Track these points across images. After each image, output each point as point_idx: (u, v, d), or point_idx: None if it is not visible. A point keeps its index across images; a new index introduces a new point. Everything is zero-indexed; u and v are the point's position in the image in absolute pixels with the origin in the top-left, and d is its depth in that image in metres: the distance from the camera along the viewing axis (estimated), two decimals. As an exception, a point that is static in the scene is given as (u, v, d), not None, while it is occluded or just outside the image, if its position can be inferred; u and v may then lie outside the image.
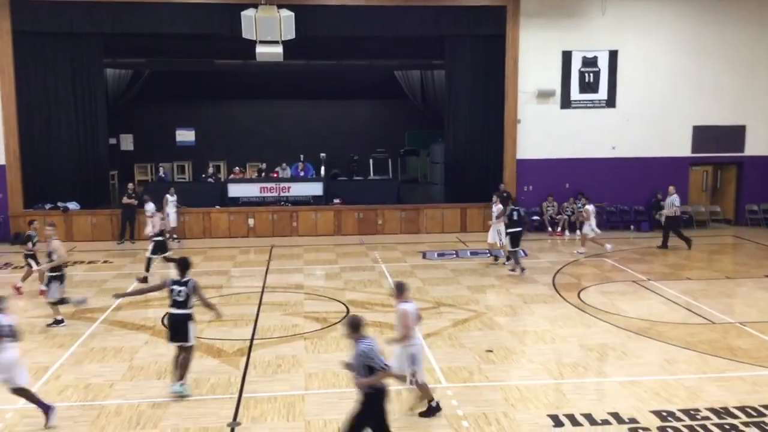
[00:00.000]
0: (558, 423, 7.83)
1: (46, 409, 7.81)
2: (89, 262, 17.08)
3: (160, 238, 15.02)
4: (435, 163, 26.38)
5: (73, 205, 20.29)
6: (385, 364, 6.64)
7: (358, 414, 6.56)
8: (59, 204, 20.18)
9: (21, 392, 7.79)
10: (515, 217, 15.44)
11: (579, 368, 9.62)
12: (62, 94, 20.24)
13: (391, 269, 15.98)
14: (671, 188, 18.60)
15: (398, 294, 8.02)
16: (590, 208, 17.79)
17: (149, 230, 15.88)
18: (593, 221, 17.64)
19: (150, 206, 18.11)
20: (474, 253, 17.71)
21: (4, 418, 8.03)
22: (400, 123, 29.25)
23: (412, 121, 29.15)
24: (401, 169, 28.36)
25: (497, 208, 16.15)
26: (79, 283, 14.85)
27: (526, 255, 16.88)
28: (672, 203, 18.42)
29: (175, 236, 19.34)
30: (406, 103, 27.74)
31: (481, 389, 8.87)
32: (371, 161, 26.52)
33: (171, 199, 19.31)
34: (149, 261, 14.89)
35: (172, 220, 19.20)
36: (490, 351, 10.29)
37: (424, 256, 17.50)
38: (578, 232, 20.60)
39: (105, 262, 17.19)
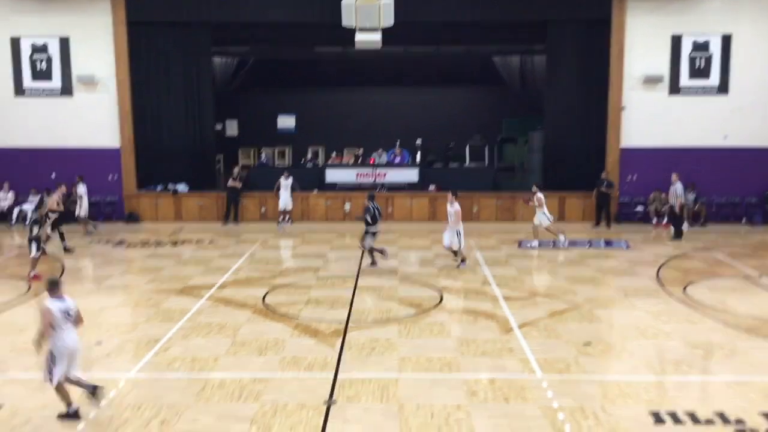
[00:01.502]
0: (659, 420, 7.57)
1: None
2: (197, 242, 17.92)
3: (55, 215, 16.23)
4: (533, 151, 25.88)
5: (182, 187, 21.34)
6: None
7: None
8: (169, 186, 21.31)
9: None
10: (376, 215, 14.93)
11: (683, 365, 9.24)
12: (173, 81, 21.25)
13: (486, 257, 15.86)
14: (674, 176, 17.57)
15: (49, 290, 7.63)
16: (541, 195, 16.98)
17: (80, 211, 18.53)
18: (546, 209, 16.96)
19: (81, 188, 18.90)
20: (572, 244, 17.27)
21: (117, 386, 8.54)
22: (497, 110, 28.85)
23: (509, 108, 28.69)
24: (498, 157, 27.99)
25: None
26: (187, 261, 15.64)
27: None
28: (676, 192, 17.36)
29: (288, 218, 20.03)
30: (503, 90, 27.32)
31: (578, 382, 8.67)
32: (467, 148, 26.31)
33: (285, 182, 19.92)
34: (61, 235, 16.62)
35: (286, 203, 19.89)
36: (589, 344, 10.04)
37: (519, 245, 17.25)
38: (686, 224, 19.67)
39: (211, 242, 17.97)
